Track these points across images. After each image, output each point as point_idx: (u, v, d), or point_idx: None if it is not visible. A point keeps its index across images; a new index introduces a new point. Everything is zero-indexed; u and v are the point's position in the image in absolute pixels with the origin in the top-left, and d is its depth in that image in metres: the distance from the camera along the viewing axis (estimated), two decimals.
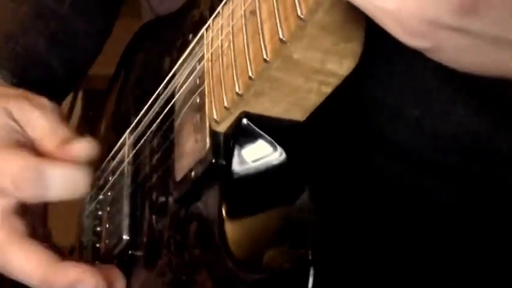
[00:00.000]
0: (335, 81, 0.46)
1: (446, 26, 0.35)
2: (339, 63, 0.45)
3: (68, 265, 0.52)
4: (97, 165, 0.68)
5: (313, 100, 0.47)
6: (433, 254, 0.56)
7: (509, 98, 0.53)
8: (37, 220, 0.58)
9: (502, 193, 0.56)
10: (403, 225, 0.56)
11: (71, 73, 0.73)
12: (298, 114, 0.48)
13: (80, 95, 1.72)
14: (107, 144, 0.71)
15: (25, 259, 0.52)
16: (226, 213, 0.46)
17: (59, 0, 0.72)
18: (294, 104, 0.48)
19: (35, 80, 0.66)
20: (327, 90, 0.47)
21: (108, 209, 0.66)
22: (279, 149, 0.47)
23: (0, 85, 0.62)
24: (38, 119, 0.55)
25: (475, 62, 0.38)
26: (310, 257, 0.40)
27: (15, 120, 0.55)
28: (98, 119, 0.78)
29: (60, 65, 0.70)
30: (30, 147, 0.54)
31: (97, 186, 0.69)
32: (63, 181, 0.52)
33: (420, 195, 0.56)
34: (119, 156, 0.66)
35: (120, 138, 0.67)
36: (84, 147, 0.54)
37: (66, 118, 0.60)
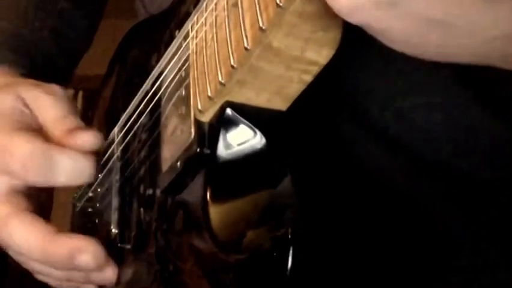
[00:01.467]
0: (314, 69, 0.47)
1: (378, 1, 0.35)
2: (318, 51, 0.46)
3: (68, 235, 0.54)
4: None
5: (294, 88, 0.48)
6: (420, 255, 0.57)
7: (503, 89, 0.53)
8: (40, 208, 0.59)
9: (498, 190, 0.57)
10: (385, 213, 0.56)
11: (70, 63, 0.75)
12: (281, 103, 0.49)
13: (80, 95, 1.73)
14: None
15: (26, 231, 0.54)
16: (211, 197, 0.47)
17: None
18: (276, 93, 0.49)
19: (40, 70, 0.68)
20: (308, 78, 0.48)
21: (97, 205, 0.67)
22: (259, 133, 0.48)
23: (11, 75, 0.64)
24: (48, 105, 0.57)
25: (408, 40, 0.38)
26: (289, 237, 0.41)
27: (26, 105, 0.57)
28: (92, 117, 0.80)
29: (60, 54, 0.72)
30: (39, 132, 0.56)
31: (86, 183, 0.70)
32: (71, 167, 0.54)
33: (406, 184, 0.56)
34: (108, 152, 0.67)
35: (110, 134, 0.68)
36: (90, 138, 0.56)
37: (75, 105, 0.61)
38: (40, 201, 0.59)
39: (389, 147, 0.56)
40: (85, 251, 0.53)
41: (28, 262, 0.58)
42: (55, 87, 0.60)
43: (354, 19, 0.38)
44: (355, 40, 0.45)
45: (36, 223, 0.54)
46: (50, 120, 0.57)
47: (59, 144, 0.56)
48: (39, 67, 0.69)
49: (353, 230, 0.54)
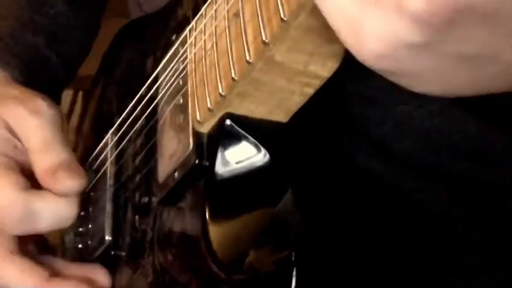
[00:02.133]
0: (317, 83, 0.46)
1: (407, 43, 0.31)
2: (322, 65, 0.46)
3: (60, 280, 0.54)
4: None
5: (296, 101, 0.48)
6: (421, 255, 0.56)
7: (500, 99, 0.52)
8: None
9: (497, 194, 0.56)
10: (388, 226, 0.56)
11: (68, 68, 0.73)
12: (282, 116, 0.49)
13: (80, 95, 1.72)
14: (90, 144, 0.71)
15: (17, 274, 0.54)
16: (210, 214, 0.46)
17: None
18: (277, 105, 0.48)
19: (38, 76, 0.67)
20: (310, 91, 0.47)
21: (90, 209, 0.66)
22: (263, 150, 0.47)
23: (1, 82, 0.62)
24: (33, 128, 0.56)
25: (442, 82, 0.35)
26: (293, 258, 0.40)
27: (10, 130, 0.56)
28: (82, 118, 0.78)
29: (58, 59, 0.71)
30: (23, 160, 0.56)
31: None
32: (51, 216, 0.55)
33: (407, 196, 0.56)
34: (101, 156, 0.66)
35: (102, 138, 0.67)
36: (74, 183, 0.56)
37: (65, 119, 0.60)
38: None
39: (389, 155, 0.56)
40: None
41: None
42: (40, 103, 0.58)
43: (382, 66, 0.33)
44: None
45: (28, 268, 0.55)
46: (34, 146, 0.56)
47: (42, 181, 0.55)
48: (35, 71, 0.67)
49: (355, 239, 0.54)
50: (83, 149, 0.75)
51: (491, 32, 0.32)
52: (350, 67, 0.46)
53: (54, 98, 0.61)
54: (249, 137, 0.48)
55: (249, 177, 0.47)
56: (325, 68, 0.46)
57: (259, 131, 0.48)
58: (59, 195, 0.55)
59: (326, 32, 0.44)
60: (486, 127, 0.54)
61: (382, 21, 0.31)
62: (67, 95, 1.67)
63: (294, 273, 0.40)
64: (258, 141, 0.48)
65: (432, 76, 0.34)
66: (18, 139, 0.56)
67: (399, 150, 0.55)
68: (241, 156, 0.47)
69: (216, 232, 0.46)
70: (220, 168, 0.48)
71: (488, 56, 0.33)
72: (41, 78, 0.66)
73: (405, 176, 0.56)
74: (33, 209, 0.54)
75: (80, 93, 1.70)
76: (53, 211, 0.54)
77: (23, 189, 0.54)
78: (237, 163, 0.47)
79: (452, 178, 0.56)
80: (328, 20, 0.34)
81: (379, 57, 0.32)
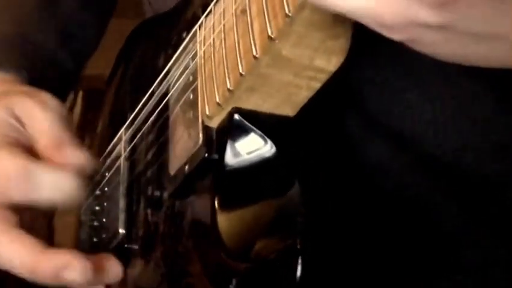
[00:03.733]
0: (323, 77, 0.47)
1: (422, 22, 0.36)
2: (327, 59, 0.47)
3: (54, 251, 0.52)
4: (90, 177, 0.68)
5: (302, 95, 0.49)
6: (422, 249, 0.57)
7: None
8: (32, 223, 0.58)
9: (501, 188, 0.57)
10: (395, 218, 0.57)
11: (78, 65, 0.74)
12: (289, 110, 0.50)
13: (80, 95, 1.73)
14: (104, 141, 0.72)
15: (12, 248, 0.52)
16: (219, 205, 0.48)
17: None
18: (284, 99, 0.49)
19: (47, 75, 0.67)
20: (317, 85, 0.48)
21: (105, 204, 0.68)
22: (270, 142, 0.48)
23: (9, 82, 0.63)
24: (40, 118, 0.56)
25: (454, 53, 0.39)
26: (298, 246, 0.41)
27: (16, 117, 0.56)
28: (97, 116, 0.80)
29: (69, 58, 0.71)
30: (28, 144, 0.55)
31: (93, 181, 0.70)
32: (51, 185, 0.53)
33: (415, 189, 0.56)
34: (115, 152, 0.67)
35: (116, 134, 0.69)
36: (79, 155, 0.55)
37: (69, 114, 0.60)
38: (32, 215, 0.57)
39: (396, 143, 0.56)
40: (70, 267, 0.51)
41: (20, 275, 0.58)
42: (47, 97, 0.58)
43: (399, 36, 0.38)
44: (360, 37, 0.45)
45: (22, 241, 0.53)
46: (39, 131, 0.56)
47: (47, 159, 0.55)
48: (45, 71, 0.68)
49: (359, 230, 0.55)
50: (97, 146, 0.76)
51: (493, 9, 0.36)
52: (356, 53, 0.47)
53: (61, 98, 0.61)
54: (257, 130, 0.49)
55: (256, 168, 0.48)
56: (330, 63, 0.47)
57: (267, 125, 0.49)
58: (62, 167, 0.54)
59: (330, 27, 0.45)
60: (499, 114, 0.55)
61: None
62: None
63: (300, 261, 0.41)
64: (265, 134, 0.49)
65: (448, 51, 0.39)
66: (24, 127, 0.56)
67: (407, 134, 0.56)
68: (249, 149, 0.49)
69: (225, 222, 0.47)
70: (228, 161, 0.49)
71: (493, 32, 0.37)
72: (49, 78, 0.67)
73: (412, 167, 0.57)
74: (34, 173, 0.52)
75: (80, 93, 1.72)
76: (54, 180, 0.53)
77: (25, 157, 0.53)
78: (244, 155, 0.49)
79: (457, 171, 0.57)
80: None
81: (398, 27, 0.37)
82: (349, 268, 0.52)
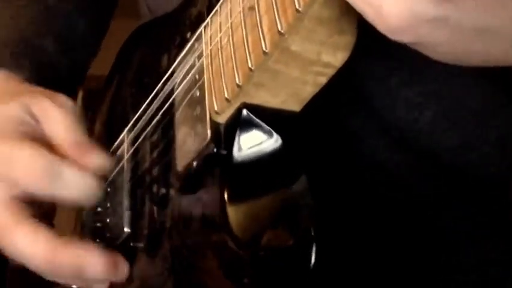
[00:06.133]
0: (329, 72, 0.49)
1: (425, 18, 0.37)
2: (333, 55, 0.48)
3: (74, 245, 0.52)
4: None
5: (309, 91, 0.50)
6: (425, 247, 0.58)
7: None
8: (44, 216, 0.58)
9: (501, 188, 0.58)
10: (394, 216, 0.57)
11: (75, 72, 0.74)
12: (295, 105, 0.51)
13: (80, 95, 1.72)
14: (102, 143, 0.73)
15: (29, 240, 0.52)
16: (228, 197, 0.49)
17: None
18: (291, 94, 0.50)
19: (48, 80, 0.67)
20: (323, 80, 0.49)
21: (108, 204, 0.68)
22: (276, 136, 0.49)
23: (14, 81, 0.63)
24: (57, 118, 0.56)
25: (455, 52, 0.40)
26: (312, 233, 0.42)
27: (32, 115, 0.56)
28: (93, 118, 0.80)
29: (66, 64, 0.71)
30: (44, 142, 0.55)
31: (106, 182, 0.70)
32: (77, 184, 0.53)
33: (413, 181, 0.57)
34: (118, 153, 0.68)
35: (116, 136, 0.69)
36: (101, 159, 0.56)
37: (83, 118, 0.60)
38: (44, 209, 0.57)
39: (398, 140, 0.57)
40: (94, 262, 0.51)
41: (31, 265, 0.57)
42: (64, 99, 0.58)
43: (402, 38, 0.38)
44: (363, 33, 0.46)
45: (39, 232, 0.52)
46: (57, 131, 0.56)
47: (69, 152, 0.54)
48: (46, 75, 0.68)
49: (359, 229, 0.56)
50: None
51: (493, 1, 0.37)
52: (358, 50, 0.49)
53: None
54: (264, 125, 0.50)
55: (263, 162, 0.49)
56: (336, 58, 0.48)
57: (274, 120, 0.50)
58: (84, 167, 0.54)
59: (337, 22, 0.47)
60: (502, 109, 0.56)
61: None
62: None
63: (314, 248, 0.42)
64: (272, 128, 0.50)
65: (449, 48, 0.39)
66: (39, 125, 0.56)
67: (408, 131, 0.56)
68: (256, 142, 0.50)
69: (234, 213, 0.48)
70: (237, 155, 0.50)
71: (492, 25, 0.38)
72: (51, 83, 0.67)
73: (413, 165, 0.58)
74: (61, 170, 0.52)
75: (80, 93, 1.72)
76: (79, 179, 0.53)
77: (47, 150, 0.53)
78: (252, 149, 0.50)
79: (453, 170, 0.57)
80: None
81: (401, 29, 0.38)
82: (346, 255, 0.53)
